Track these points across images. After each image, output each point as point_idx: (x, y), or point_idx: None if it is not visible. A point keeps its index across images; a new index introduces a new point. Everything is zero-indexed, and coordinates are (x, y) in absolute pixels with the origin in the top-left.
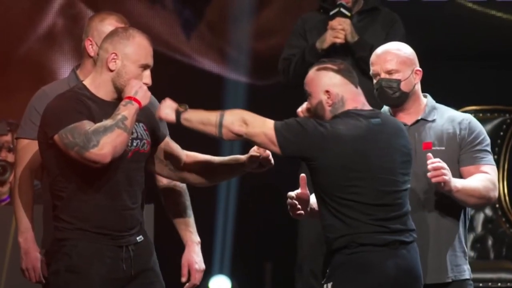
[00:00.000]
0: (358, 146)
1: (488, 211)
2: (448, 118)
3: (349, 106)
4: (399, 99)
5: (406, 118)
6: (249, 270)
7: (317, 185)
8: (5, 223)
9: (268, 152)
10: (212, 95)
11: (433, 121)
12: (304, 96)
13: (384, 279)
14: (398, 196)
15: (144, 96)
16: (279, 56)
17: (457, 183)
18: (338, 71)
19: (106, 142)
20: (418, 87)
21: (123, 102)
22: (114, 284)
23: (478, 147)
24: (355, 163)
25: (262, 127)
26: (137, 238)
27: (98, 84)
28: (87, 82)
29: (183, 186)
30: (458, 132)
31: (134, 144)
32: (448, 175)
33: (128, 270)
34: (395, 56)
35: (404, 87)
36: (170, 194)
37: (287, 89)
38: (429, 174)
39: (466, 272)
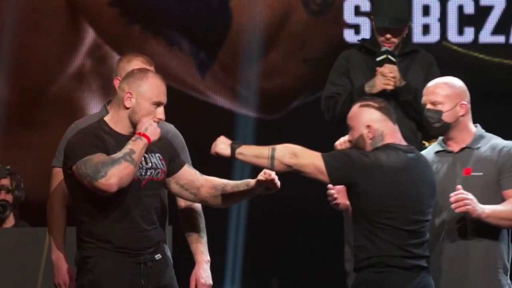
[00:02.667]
0: (397, 176)
1: None
2: (491, 145)
3: (388, 140)
4: (440, 129)
5: (454, 146)
6: (257, 285)
7: (356, 208)
8: (39, 242)
9: (273, 176)
10: (224, 128)
11: (478, 148)
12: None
13: None
14: (423, 225)
15: (153, 132)
16: (284, 93)
17: (486, 209)
18: (378, 109)
19: (113, 174)
20: (465, 118)
21: (133, 138)
22: None
23: None
24: (393, 191)
25: (311, 158)
26: (155, 256)
27: (116, 120)
28: (107, 118)
29: (199, 209)
30: (497, 158)
31: (148, 173)
32: (471, 204)
33: (146, 285)
34: (442, 89)
35: (446, 118)
36: (187, 217)
37: (330, 125)
38: (452, 205)
39: (506, 287)
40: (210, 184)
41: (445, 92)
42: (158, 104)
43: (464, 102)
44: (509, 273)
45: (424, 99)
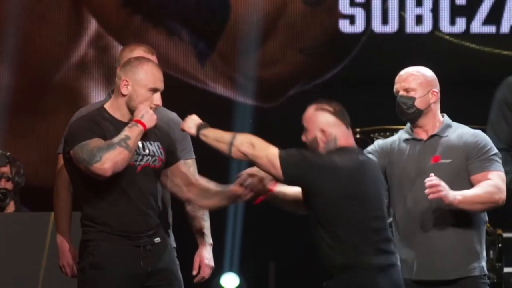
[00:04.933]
0: (352, 175)
1: None
2: (458, 133)
3: (341, 144)
4: (412, 114)
5: (423, 134)
6: (255, 268)
7: (314, 210)
8: (43, 226)
9: (243, 188)
10: (222, 115)
11: (446, 136)
12: (302, 118)
13: None
14: (384, 221)
15: (150, 119)
16: (281, 82)
17: (458, 195)
18: (333, 113)
19: (108, 158)
20: (435, 106)
21: (129, 124)
22: (133, 280)
23: (483, 157)
24: (351, 190)
25: (266, 151)
26: (155, 240)
27: (115, 107)
28: (107, 105)
29: None
30: (464, 145)
31: (144, 160)
32: (444, 190)
33: (145, 267)
34: (414, 77)
35: (418, 104)
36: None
37: None
38: (426, 191)
39: (477, 270)
40: (201, 186)
41: (418, 79)
42: (154, 90)
43: (436, 90)
44: (482, 257)
45: (397, 86)
